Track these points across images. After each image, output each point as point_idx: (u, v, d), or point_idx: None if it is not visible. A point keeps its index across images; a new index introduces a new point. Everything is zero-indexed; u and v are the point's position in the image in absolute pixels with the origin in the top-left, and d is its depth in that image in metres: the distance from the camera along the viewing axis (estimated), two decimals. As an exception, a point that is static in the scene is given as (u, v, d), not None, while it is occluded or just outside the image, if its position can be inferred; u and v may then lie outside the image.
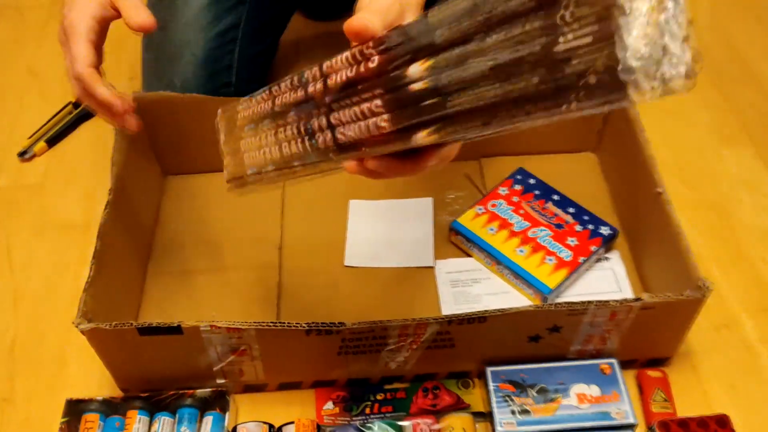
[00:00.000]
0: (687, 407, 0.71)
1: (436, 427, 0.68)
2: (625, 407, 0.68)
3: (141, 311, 0.79)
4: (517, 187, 0.86)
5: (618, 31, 0.30)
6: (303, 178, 0.59)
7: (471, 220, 0.83)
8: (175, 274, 0.83)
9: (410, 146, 0.43)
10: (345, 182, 0.83)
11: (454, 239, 0.84)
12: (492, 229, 0.82)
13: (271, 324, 0.64)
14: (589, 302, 0.65)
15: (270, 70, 1.02)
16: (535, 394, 0.69)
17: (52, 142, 0.99)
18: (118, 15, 0.63)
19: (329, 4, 1.15)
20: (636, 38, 0.30)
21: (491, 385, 0.69)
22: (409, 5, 0.47)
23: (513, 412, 0.67)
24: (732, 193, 0.91)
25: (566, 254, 0.79)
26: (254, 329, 0.64)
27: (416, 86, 0.40)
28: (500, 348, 0.70)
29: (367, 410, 0.70)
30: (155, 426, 0.67)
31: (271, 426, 0.68)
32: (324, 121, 0.47)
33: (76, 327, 0.63)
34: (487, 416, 0.70)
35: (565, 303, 0.65)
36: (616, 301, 0.65)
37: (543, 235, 0.81)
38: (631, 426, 0.67)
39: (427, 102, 0.40)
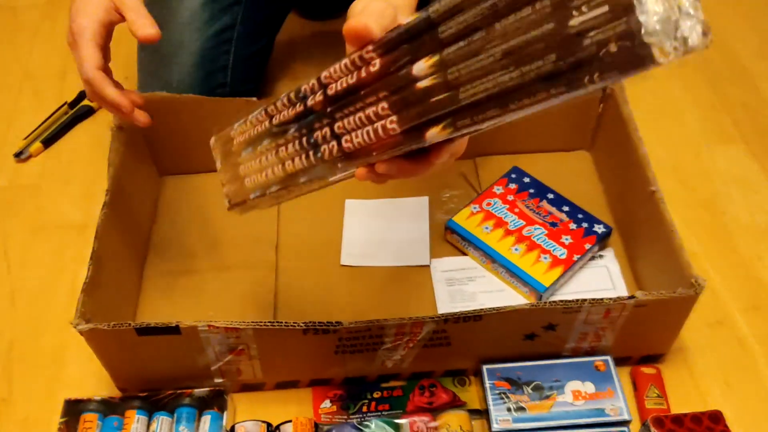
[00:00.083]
0: (681, 403, 0.71)
1: (433, 424, 0.69)
2: (619, 404, 0.68)
3: (138, 311, 0.79)
4: (512, 186, 0.87)
5: None
6: (305, 192, 0.59)
7: (466, 219, 0.83)
8: (172, 274, 0.83)
9: (422, 145, 0.42)
10: (341, 182, 0.84)
11: (450, 238, 0.85)
12: (487, 228, 0.82)
13: (268, 323, 0.64)
14: (584, 300, 0.65)
15: (265, 70, 1.02)
16: (530, 391, 0.69)
17: (48, 142, 0.99)
18: (123, 19, 0.65)
19: (324, 4, 1.15)
20: (654, 1, 0.30)
21: (487, 383, 0.70)
22: (401, 9, 0.47)
23: (509, 410, 0.68)
24: (725, 191, 0.92)
25: (561, 252, 0.80)
26: (252, 329, 0.65)
27: (423, 83, 0.40)
28: (496, 346, 0.70)
29: (364, 408, 0.71)
30: (154, 425, 0.68)
31: (269, 425, 0.68)
32: (328, 131, 0.47)
33: (74, 327, 0.63)
34: (483, 413, 0.70)
35: (560, 301, 0.66)
36: (611, 299, 0.66)
37: (538, 233, 0.82)
38: (626, 422, 0.68)
39: (437, 97, 0.40)
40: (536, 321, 0.68)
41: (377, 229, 0.87)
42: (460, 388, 0.72)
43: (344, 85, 0.45)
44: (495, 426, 0.67)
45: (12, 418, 0.73)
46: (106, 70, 0.66)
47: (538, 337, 0.70)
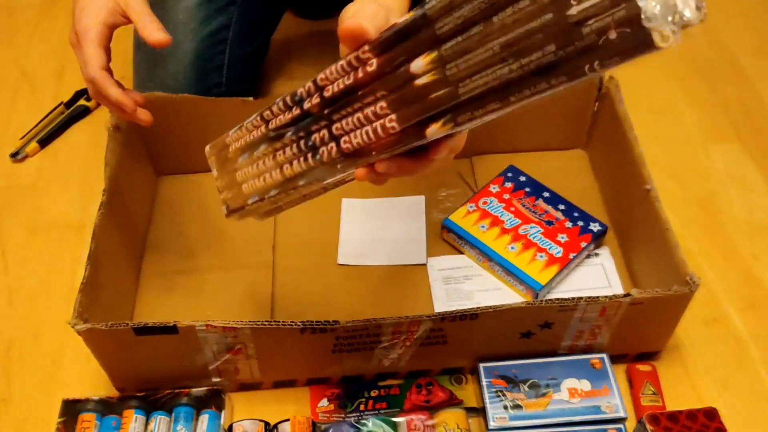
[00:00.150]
0: (676, 400, 0.72)
1: (430, 422, 0.69)
2: (615, 401, 0.69)
3: (136, 311, 0.80)
4: (508, 185, 0.87)
5: None
6: (306, 199, 0.59)
7: (462, 218, 0.84)
8: (169, 274, 0.83)
9: (423, 142, 0.42)
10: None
11: (446, 237, 0.85)
12: (483, 227, 0.83)
13: (265, 323, 0.64)
14: (580, 298, 0.66)
15: (261, 69, 1.02)
16: (526, 389, 0.70)
17: (45, 142, 0.99)
18: (127, 22, 0.66)
19: (320, 3, 1.15)
20: None
21: (484, 381, 0.70)
22: (393, 11, 0.47)
23: (505, 407, 0.68)
24: (720, 189, 0.92)
25: (557, 251, 0.80)
26: (249, 328, 0.65)
27: (422, 81, 0.40)
28: (492, 344, 0.71)
29: (362, 407, 0.71)
30: (151, 425, 0.68)
31: (266, 424, 0.69)
32: (326, 133, 0.47)
33: (72, 327, 0.63)
34: (480, 411, 0.71)
35: (556, 299, 0.66)
36: (606, 296, 0.66)
37: (534, 231, 0.82)
38: (622, 419, 0.68)
39: (436, 94, 0.40)
40: (532, 319, 0.68)
41: (374, 229, 0.87)
42: (456, 386, 0.73)
43: (341, 86, 0.45)
44: (492, 424, 0.68)
45: (10, 418, 0.73)
46: (108, 71, 0.67)
47: (535, 335, 0.70)
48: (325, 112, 0.47)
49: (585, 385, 0.70)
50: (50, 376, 0.76)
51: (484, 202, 0.85)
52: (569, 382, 0.70)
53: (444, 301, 0.79)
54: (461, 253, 0.84)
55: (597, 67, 0.33)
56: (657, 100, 1.04)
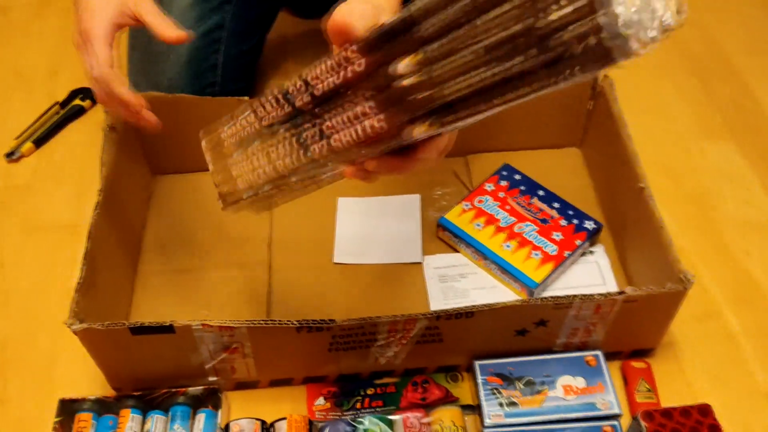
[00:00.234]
0: (670, 397, 0.72)
1: (426, 420, 0.69)
2: (610, 398, 0.69)
3: (132, 311, 0.80)
4: (503, 183, 0.87)
5: None
6: (299, 195, 0.59)
7: (458, 216, 0.84)
8: (165, 273, 0.83)
9: (409, 142, 0.43)
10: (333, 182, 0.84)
11: (442, 235, 0.85)
12: (479, 225, 0.83)
13: (262, 322, 0.64)
14: (574, 296, 0.66)
15: (256, 68, 1.02)
16: (522, 387, 0.70)
17: (40, 142, 0.99)
18: (134, 23, 0.66)
19: (316, 2, 1.15)
20: None
21: (479, 379, 0.70)
22: (381, 9, 0.47)
23: (501, 405, 0.69)
24: (714, 186, 0.93)
25: (552, 249, 0.80)
26: (246, 327, 0.65)
27: (407, 81, 0.41)
28: (488, 342, 0.71)
29: (358, 405, 0.71)
30: (148, 424, 0.68)
31: (263, 422, 0.69)
32: (316, 131, 0.47)
33: (68, 327, 0.63)
34: (475, 409, 0.71)
35: (551, 297, 0.66)
36: (601, 294, 0.67)
37: (529, 230, 0.82)
38: (616, 416, 0.69)
39: (421, 95, 0.40)
40: (527, 317, 0.69)
41: (370, 227, 0.87)
42: (452, 384, 0.73)
43: (330, 85, 0.45)
44: (487, 421, 0.68)
45: (7, 418, 0.73)
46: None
47: (530, 333, 0.70)
48: (316, 110, 0.47)
49: (580, 382, 0.70)
50: (47, 376, 0.76)
51: (480, 201, 0.85)
52: (564, 380, 0.70)
53: (440, 300, 0.80)
54: (457, 251, 0.85)
55: (577, 72, 0.33)
56: (651, 98, 1.04)
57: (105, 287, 0.73)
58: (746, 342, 0.78)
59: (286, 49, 1.11)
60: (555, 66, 0.34)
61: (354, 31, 0.44)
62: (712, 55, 1.10)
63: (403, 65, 0.41)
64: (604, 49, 0.32)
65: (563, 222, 0.83)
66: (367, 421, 0.68)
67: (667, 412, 0.66)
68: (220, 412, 0.69)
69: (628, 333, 0.73)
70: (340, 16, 0.44)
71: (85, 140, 0.99)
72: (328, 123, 0.46)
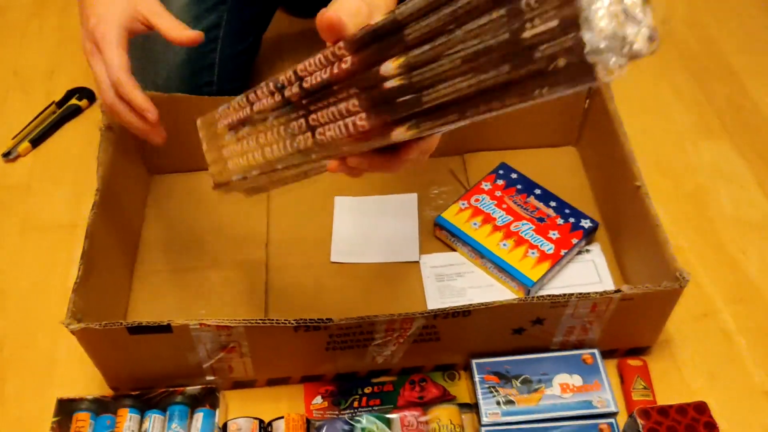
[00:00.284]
0: (666, 395, 0.73)
1: (423, 419, 0.69)
2: (606, 396, 0.69)
3: (129, 310, 0.80)
4: (500, 182, 0.88)
5: (582, 12, 0.30)
6: (289, 182, 0.60)
7: (455, 215, 0.84)
8: (162, 273, 0.83)
9: (389, 143, 0.43)
10: (330, 179, 0.84)
11: (439, 234, 0.86)
12: (475, 224, 0.83)
13: (259, 321, 0.65)
14: (571, 295, 0.66)
15: (252, 67, 1.02)
16: (519, 385, 0.70)
17: (37, 142, 0.99)
18: (145, 29, 0.65)
19: (312, 1, 1.15)
20: (600, 18, 0.30)
21: (476, 377, 0.71)
22: (377, 7, 0.47)
23: (498, 403, 0.69)
24: (709, 184, 0.93)
25: (548, 247, 0.80)
26: (243, 326, 0.65)
27: (390, 84, 0.41)
28: (485, 341, 0.71)
29: (356, 404, 0.71)
30: (146, 424, 0.68)
31: (261, 421, 0.69)
32: (303, 122, 0.48)
33: (66, 327, 0.63)
34: (472, 407, 0.71)
35: (548, 296, 0.66)
36: (597, 293, 0.67)
37: (525, 228, 0.82)
38: (613, 414, 0.69)
39: (402, 98, 0.41)
40: (524, 316, 0.69)
41: (367, 226, 0.87)
42: (449, 382, 0.73)
43: (318, 79, 0.46)
44: (484, 419, 0.68)
45: (5, 418, 0.73)
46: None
47: (526, 332, 0.70)
48: (304, 102, 0.48)
49: (576, 380, 0.70)
50: (44, 376, 0.76)
51: (476, 200, 0.86)
52: (561, 378, 0.71)
53: (437, 298, 0.80)
54: (453, 250, 0.85)
55: (546, 92, 0.33)
56: (647, 97, 1.04)
57: (102, 287, 0.73)
58: (742, 340, 0.78)
59: (283, 48, 1.11)
60: (525, 83, 0.34)
61: (345, 28, 0.44)
62: (710, 54, 1.11)
63: (387, 68, 0.41)
64: (571, 71, 0.31)
65: (560, 221, 0.83)
66: (365, 419, 0.69)
67: (664, 410, 0.66)
68: (217, 412, 0.69)
69: (625, 331, 0.73)
70: (332, 10, 0.44)
71: (82, 140, 0.99)
72: (314, 116, 0.47)
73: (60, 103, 1.03)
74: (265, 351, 0.69)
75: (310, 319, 0.65)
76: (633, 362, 0.74)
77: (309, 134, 0.48)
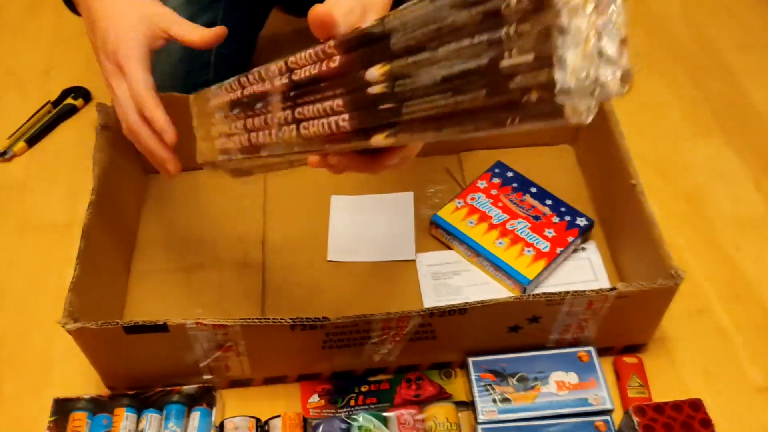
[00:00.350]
0: (662, 392, 0.73)
1: (420, 417, 0.70)
2: (602, 393, 0.70)
3: (126, 310, 0.80)
4: (496, 180, 0.88)
5: (556, 52, 0.30)
6: (274, 169, 0.60)
7: (451, 214, 0.84)
8: (159, 272, 0.83)
9: (368, 147, 0.43)
10: (326, 177, 0.84)
11: (435, 232, 0.86)
12: (471, 222, 0.83)
13: (256, 320, 0.65)
14: (567, 292, 0.67)
15: (248, 66, 1.02)
16: (515, 383, 0.70)
17: (32, 141, 0.99)
18: (166, 42, 0.64)
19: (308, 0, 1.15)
20: (573, 60, 0.30)
21: (473, 375, 0.71)
22: (372, 8, 0.47)
23: (494, 401, 0.69)
24: (705, 183, 0.93)
25: (544, 245, 0.81)
26: (240, 325, 0.65)
27: (374, 89, 0.41)
28: (481, 339, 0.71)
29: (352, 402, 0.72)
30: (143, 423, 0.68)
31: (257, 420, 0.69)
32: (290, 114, 0.48)
33: (63, 327, 0.64)
34: (469, 405, 0.71)
35: (543, 294, 0.67)
36: (593, 290, 0.67)
37: (521, 227, 0.83)
38: (608, 411, 0.69)
39: (384, 106, 0.41)
40: (520, 313, 0.69)
41: (363, 225, 0.87)
42: (446, 380, 0.73)
43: (308, 74, 0.46)
44: (481, 417, 0.68)
45: (2, 418, 0.73)
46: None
47: (523, 330, 0.71)
48: (291, 94, 0.48)
49: (572, 377, 0.71)
50: (41, 376, 0.76)
51: (472, 198, 0.86)
52: (557, 375, 0.71)
53: (433, 297, 0.80)
54: (450, 248, 0.85)
55: (517, 122, 0.33)
56: (642, 95, 1.04)
57: (99, 286, 0.73)
58: (737, 337, 0.78)
59: (279, 47, 1.11)
60: (499, 111, 0.33)
61: (337, 26, 0.44)
62: (704, 52, 1.11)
63: (372, 74, 0.41)
64: (542, 107, 0.31)
65: (555, 219, 0.83)
66: (362, 418, 0.69)
67: (659, 407, 0.66)
68: (214, 411, 0.69)
69: (620, 329, 0.73)
70: (325, 7, 0.44)
71: (78, 139, 0.99)
72: (299, 109, 0.47)
73: (56, 103, 1.03)
74: (262, 350, 0.69)
75: (306, 318, 0.65)
76: (629, 360, 0.74)
77: (294, 126, 0.48)
